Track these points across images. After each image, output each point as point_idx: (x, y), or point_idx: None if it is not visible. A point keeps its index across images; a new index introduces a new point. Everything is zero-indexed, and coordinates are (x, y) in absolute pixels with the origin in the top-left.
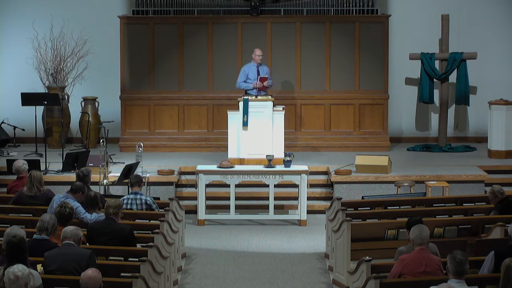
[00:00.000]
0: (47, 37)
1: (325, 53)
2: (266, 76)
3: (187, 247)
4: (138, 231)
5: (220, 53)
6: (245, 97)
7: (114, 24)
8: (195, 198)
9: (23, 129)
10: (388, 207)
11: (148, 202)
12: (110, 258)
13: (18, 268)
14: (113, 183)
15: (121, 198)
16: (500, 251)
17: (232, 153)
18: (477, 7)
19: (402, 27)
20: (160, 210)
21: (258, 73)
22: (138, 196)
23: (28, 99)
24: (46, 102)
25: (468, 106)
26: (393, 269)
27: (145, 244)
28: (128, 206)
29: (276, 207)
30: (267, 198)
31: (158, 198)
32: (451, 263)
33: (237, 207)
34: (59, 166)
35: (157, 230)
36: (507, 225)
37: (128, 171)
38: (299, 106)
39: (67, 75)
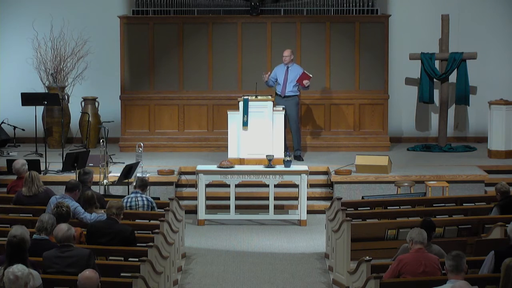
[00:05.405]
0: (47, 37)
1: (325, 53)
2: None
3: (187, 247)
4: (138, 231)
5: (220, 53)
6: (245, 97)
7: (114, 24)
8: (195, 198)
9: (23, 129)
10: (388, 207)
11: (149, 199)
12: (110, 258)
13: (18, 268)
14: (113, 183)
15: (123, 198)
16: (500, 251)
17: (232, 153)
18: (477, 7)
19: (402, 27)
20: (160, 210)
21: (286, 75)
22: (139, 195)
23: (28, 99)
24: (46, 102)
25: (468, 106)
26: (390, 268)
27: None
28: (128, 204)
29: (276, 207)
30: (267, 198)
31: (158, 198)
32: (448, 260)
33: (237, 207)
34: (59, 166)
35: (157, 230)
36: (507, 225)
37: (128, 171)
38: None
39: (67, 75)
